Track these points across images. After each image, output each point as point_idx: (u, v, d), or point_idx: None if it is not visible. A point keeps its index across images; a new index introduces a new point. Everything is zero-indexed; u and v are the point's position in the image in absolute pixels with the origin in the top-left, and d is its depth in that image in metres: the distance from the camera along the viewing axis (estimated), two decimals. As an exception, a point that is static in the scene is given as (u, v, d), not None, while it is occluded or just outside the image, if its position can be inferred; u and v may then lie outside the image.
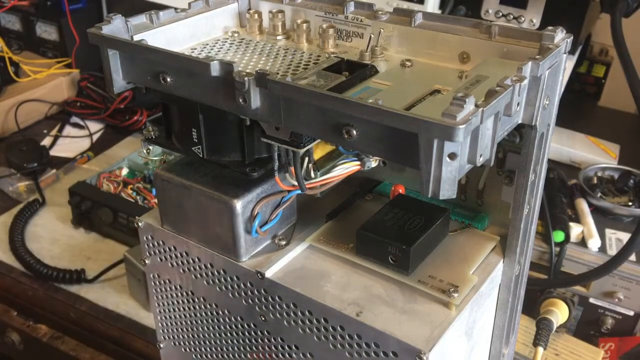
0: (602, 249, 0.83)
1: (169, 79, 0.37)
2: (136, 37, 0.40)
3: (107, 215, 0.93)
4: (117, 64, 0.39)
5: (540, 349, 0.69)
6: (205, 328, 0.46)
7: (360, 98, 0.31)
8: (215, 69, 0.34)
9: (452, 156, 0.29)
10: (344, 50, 0.43)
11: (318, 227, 0.44)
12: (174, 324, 0.49)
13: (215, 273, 0.43)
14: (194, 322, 0.47)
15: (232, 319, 0.44)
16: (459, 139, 0.28)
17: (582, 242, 0.84)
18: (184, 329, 0.48)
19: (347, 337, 0.38)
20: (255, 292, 0.41)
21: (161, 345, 0.51)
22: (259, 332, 0.42)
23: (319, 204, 0.46)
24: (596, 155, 1.09)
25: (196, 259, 0.43)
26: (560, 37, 0.36)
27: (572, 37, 0.37)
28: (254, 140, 0.39)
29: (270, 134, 0.38)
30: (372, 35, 0.42)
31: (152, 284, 0.48)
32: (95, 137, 1.23)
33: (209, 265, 0.43)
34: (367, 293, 0.39)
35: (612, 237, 0.86)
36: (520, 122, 0.35)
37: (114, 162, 1.08)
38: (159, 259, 0.46)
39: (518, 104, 0.32)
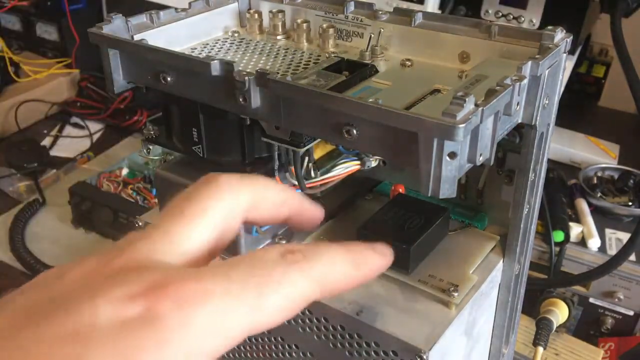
0: (602, 248, 0.83)
1: (169, 79, 0.37)
2: (136, 37, 0.40)
3: (107, 215, 0.93)
4: (117, 63, 0.39)
5: (540, 349, 0.69)
6: (206, 327, 0.46)
7: (361, 97, 0.31)
8: (215, 69, 0.34)
9: (452, 155, 0.29)
10: (344, 50, 0.43)
11: (318, 226, 0.44)
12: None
13: (216, 272, 0.43)
14: (194, 321, 0.47)
15: (232, 318, 0.44)
16: (459, 138, 0.28)
17: (582, 242, 0.84)
18: (184, 329, 0.48)
19: (347, 336, 0.38)
20: (256, 291, 0.41)
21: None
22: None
23: (319, 204, 0.45)
24: (596, 155, 1.08)
25: (196, 259, 0.43)
26: (560, 36, 0.36)
27: (571, 37, 0.37)
28: (254, 140, 0.39)
29: (271, 133, 0.38)
30: (372, 35, 0.42)
31: (153, 283, 0.48)
32: (95, 137, 1.23)
33: (209, 265, 0.43)
34: (367, 292, 0.39)
35: (612, 237, 0.86)
36: (520, 121, 0.35)
37: (114, 162, 1.08)
38: (159, 259, 0.46)
39: (518, 103, 0.32)
